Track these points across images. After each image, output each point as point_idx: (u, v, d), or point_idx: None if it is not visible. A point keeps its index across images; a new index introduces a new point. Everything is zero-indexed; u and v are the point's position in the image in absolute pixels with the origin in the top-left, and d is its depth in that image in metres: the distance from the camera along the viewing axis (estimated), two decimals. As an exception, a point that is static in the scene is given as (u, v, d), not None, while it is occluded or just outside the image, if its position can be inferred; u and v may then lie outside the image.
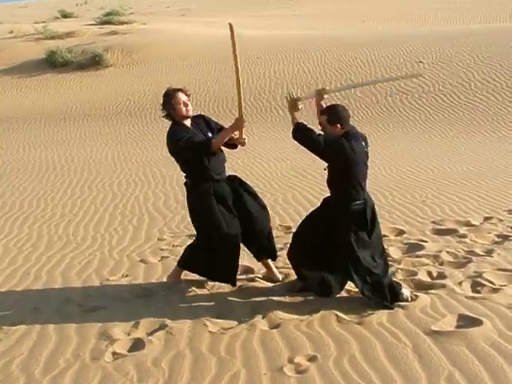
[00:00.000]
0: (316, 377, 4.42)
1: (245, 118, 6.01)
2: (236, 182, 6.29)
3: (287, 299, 5.84)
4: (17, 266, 7.32)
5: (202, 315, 5.55)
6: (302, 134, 5.68)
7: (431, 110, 19.59)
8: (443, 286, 5.88)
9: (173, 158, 6.23)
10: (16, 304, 6.15)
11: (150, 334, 5.28)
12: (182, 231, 8.48)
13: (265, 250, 6.34)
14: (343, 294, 5.86)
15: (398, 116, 19.42)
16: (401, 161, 13.25)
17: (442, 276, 6.22)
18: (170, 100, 6.02)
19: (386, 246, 7.20)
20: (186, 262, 6.29)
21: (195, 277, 6.35)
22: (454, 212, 8.77)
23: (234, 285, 6.14)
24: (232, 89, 23.04)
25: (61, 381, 4.60)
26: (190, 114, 6.12)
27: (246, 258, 7.02)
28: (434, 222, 8.26)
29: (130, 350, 5.02)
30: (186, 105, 6.06)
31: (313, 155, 5.72)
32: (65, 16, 49.87)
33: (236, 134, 6.08)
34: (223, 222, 5.95)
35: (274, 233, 8.03)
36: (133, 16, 44.14)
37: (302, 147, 5.75)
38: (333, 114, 5.66)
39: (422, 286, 5.96)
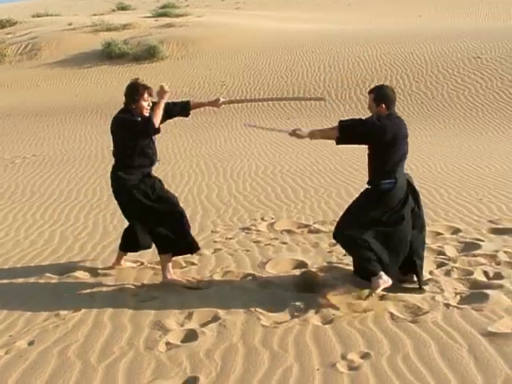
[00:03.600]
0: (369, 374, 4.39)
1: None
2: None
3: (341, 295, 5.80)
4: (73, 254, 7.44)
5: (255, 308, 5.56)
6: (349, 125, 5.72)
7: (489, 107, 19.24)
8: (500, 287, 5.77)
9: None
10: (72, 291, 6.25)
11: (203, 325, 5.32)
12: (235, 224, 8.50)
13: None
14: (397, 291, 5.81)
15: (455, 112, 19.12)
16: (457, 158, 13.05)
17: (498, 276, 6.11)
18: (136, 94, 6.22)
19: (441, 244, 7.14)
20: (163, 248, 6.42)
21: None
22: (512, 211, 8.61)
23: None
24: (285, 83, 23.06)
25: (116, 368, 4.66)
26: (147, 114, 6.30)
27: (299, 251, 7.03)
28: (490, 221, 8.11)
29: (183, 341, 5.06)
30: (148, 104, 6.31)
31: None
32: (122, 8, 50.47)
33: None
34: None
35: (328, 228, 8.07)
36: (188, 9, 44.42)
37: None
38: (379, 94, 5.78)
39: (478, 286, 5.86)
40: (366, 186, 6.01)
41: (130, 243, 6.70)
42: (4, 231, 8.62)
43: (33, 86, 27.80)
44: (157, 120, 6.20)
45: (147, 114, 6.27)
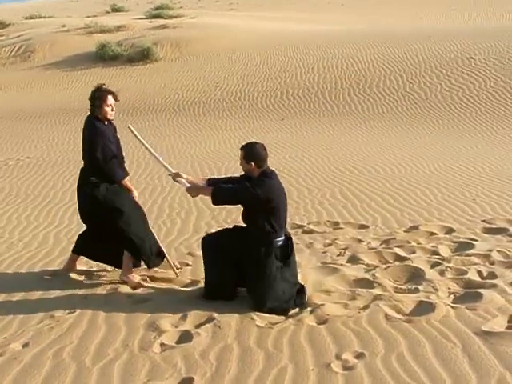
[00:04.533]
0: (364, 374, 4.40)
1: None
2: None
3: (335, 295, 5.82)
4: (67, 256, 7.41)
5: (249, 309, 5.56)
6: (222, 193, 5.72)
7: (482, 107, 19.29)
8: (494, 286, 5.80)
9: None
10: (66, 293, 6.25)
11: (198, 326, 5.32)
12: (229, 225, 8.50)
13: None
14: (392, 292, 5.83)
15: (449, 112, 19.17)
16: (450, 158, 13.08)
17: (492, 276, 6.14)
18: (100, 98, 6.30)
19: (435, 244, 7.17)
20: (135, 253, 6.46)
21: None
22: (505, 211, 8.63)
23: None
24: (279, 84, 23.08)
25: (110, 370, 4.66)
26: (112, 118, 6.45)
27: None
28: (484, 221, 8.15)
29: (177, 342, 5.07)
30: (112, 109, 6.39)
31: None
32: (116, 10, 50.42)
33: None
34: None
35: (322, 228, 8.08)
36: (182, 10, 44.42)
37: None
38: (249, 152, 5.73)
39: (472, 286, 5.89)
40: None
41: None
42: (-2, 233, 8.62)
43: (26, 88, 27.75)
44: (118, 182, 6.37)
45: (112, 118, 6.43)
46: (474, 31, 27.90)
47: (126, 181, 6.48)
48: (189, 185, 6.02)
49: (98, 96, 6.29)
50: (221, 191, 5.70)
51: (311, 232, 7.99)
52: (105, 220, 6.34)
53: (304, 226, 8.23)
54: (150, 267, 6.53)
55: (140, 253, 6.38)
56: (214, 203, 5.77)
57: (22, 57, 32.04)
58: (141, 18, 39.27)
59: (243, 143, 5.95)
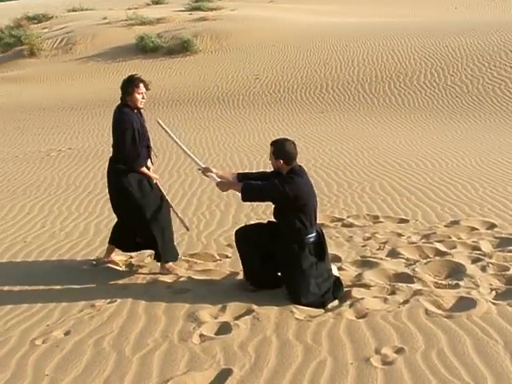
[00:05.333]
0: (403, 369, 4.37)
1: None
2: None
3: (375, 289, 5.78)
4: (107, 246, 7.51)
5: (288, 302, 5.57)
6: (251, 190, 5.72)
7: (526, 101, 18.95)
8: (537, 283, 5.71)
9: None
10: (107, 283, 6.33)
11: (237, 318, 5.35)
12: (268, 217, 8.49)
13: None
14: (432, 287, 5.77)
15: (491, 106, 18.86)
16: (492, 152, 12.88)
17: (535, 272, 6.04)
18: (132, 86, 6.33)
19: (476, 239, 7.07)
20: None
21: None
22: (549, 206, 8.49)
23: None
24: (319, 76, 22.96)
25: (150, 360, 4.71)
26: (142, 106, 6.48)
27: (333, 245, 7.01)
28: (527, 217, 8.02)
29: (216, 333, 5.10)
30: (143, 97, 6.42)
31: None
32: (156, 2, 50.61)
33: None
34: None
35: (362, 222, 8.04)
36: (221, 2, 44.42)
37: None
38: (279, 149, 5.72)
39: (514, 282, 5.81)
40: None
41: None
42: (40, 223, 8.74)
43: (68, 80, 28.05)
44: (135, 170, 6.44)
45: (141, 106, 6.46)
46: (517, 23, 27.39)
47: (144, 169, 6.53)
48: (219, 179, 6.05)
49: (131, 83, 6.35)
50: (250, 188, 5.72)
51: (351, 226, 7.95)
52: (127, 209, 6.44)
53: (343, 220, 8.20)
54: (165, 260, 6.54)
55: (157, 246, 6.44)
56: (244, 199, 5.83)
57: (63, 49, 32.38)
58: (181, 11, 39.38)
59: (274, 139, 5.95)
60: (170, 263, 6.52)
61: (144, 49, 30.12)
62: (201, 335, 5.05)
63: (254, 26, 31.33)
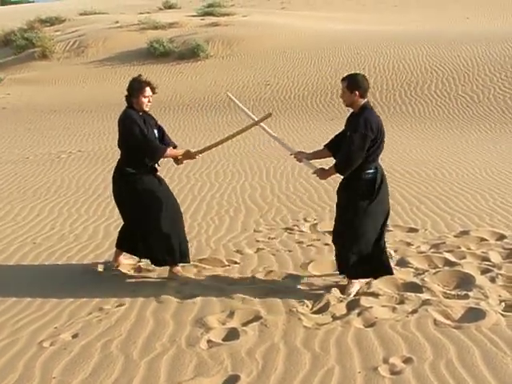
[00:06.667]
0: (411, 379, 4.35)
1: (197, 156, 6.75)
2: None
3: (383, 298, 5.77)
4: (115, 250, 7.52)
5: (296, 309, 5.56)
6: (345, 164, 5.75)
7: (537, 112, 18.91)
8: (547, 295, 5.68)
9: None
10: (115, 286, 6.33)
11: (245, 324, 5.34)
12: (277, 224, 8.51)
13: None
14: (441, 297, 5.75)
15: (502, 116, 18.83)
16: (503, 163, 12.84)
17: (545, 284, 6.01)
18: (138, 89, 6.33)
19: (485, 250, 7.05)
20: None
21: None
22: (560, 218, 8.45)
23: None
24: (330, 84, 22.94)
25: (157, 364, 4.71)
26: (148, 109, 6.46)
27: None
28: (537, 228, 7.99)
29: (224, 339, 5.09)
30: (149, 100, 6.40)
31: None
32: (168, 7, 50.75)
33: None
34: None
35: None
36: (234, 8, 44.49)
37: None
38: (353, 81, 5.85)
39: (524, 294, 5.78)
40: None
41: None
42: (50, 225, 8.77)
43: (79, 83, 28.16)
44: (161, 155, 6.40)
45: (147, 109, 6.43)
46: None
47: (171, 150, 6.52)
48: (316, 168, 6.06)
49: (137, 87, 6.34)
50: (342, 163, 5.76)
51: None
52: (132, 212, 6.43)
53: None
54: (161, 264, 6.55)
55: (153, 252, 6.41)
56: (345, 174, 5.84)
57: (75, 52, 32.51)
58: (193, 16, 39.48)
59: (344, 75, 6.06)
60: (178, 268, 6.52)
61: (155, 53, 30.21)
62: (208, 341, 5.05)
63: (265, 32, 31.38)
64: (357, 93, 5.75)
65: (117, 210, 9.40)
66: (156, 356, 4.84)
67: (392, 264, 6.15)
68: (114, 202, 8.54)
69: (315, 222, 8.51)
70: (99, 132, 19.20)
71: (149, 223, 6.33)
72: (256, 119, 6.61)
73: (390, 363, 4.59)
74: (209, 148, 6.93)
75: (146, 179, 6.42)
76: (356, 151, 5.60)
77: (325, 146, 6.23)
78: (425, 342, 4.90)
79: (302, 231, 8.10)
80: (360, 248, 5.80)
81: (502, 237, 7.61)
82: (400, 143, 15.54)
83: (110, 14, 44.97)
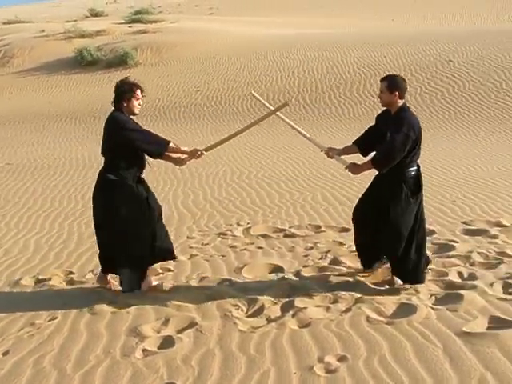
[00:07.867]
0: (346, 377, 4.41)
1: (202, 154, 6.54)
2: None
3: (317, 298, 5.82)
4: (48, 263, 7.39)
5: (231, 314, 5.56)
6: (383, 161, 5.82)
7: (461, 109, 19.44)
8: (474, 287, 5.83)
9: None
10: (47, 300, 6.21)
11: (180, 331, 5.31)
12: (211, 229, 8.50)
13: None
14: (373, 293, 5.84)
15: (428, 115, 19.29)
16: (430, 160, 13.14)
17: (472, 277, 6.17)
18: (130, 92, 6.03)
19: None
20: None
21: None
22: (485, 212, 8.69)
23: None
24: (260, 88, 23.07)
25: (92, 377, 4.64)
26: (138, 113, 6.19)
27: (275, 256, 7.05)
28: (464, 223, 8.20)
29: (159, 348, 5.05)
30: (139, 104, 6.14)
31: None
32: (95, 15, 50.20)
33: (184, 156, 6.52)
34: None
35: (304, 232, 8.09)
36: (162, 15, 44.33)
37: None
38: (393, 82, 5.92)
39: (452, 287, 5.91)
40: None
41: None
42: (-22, 240, 8.55)
43: (6, 94, 27.58)
44: (165, 148, 6.26)
45: (137, 113, 6.16)
46: (452, 34, 28.09)
47: (175, 146, 6.35)
48: (348, 163, 6.08)
49: (128, 89, 6.02)
50: (382, 160, 5.81)
51: (293, 236, 7.98)
52: (108, 222, 6.09)
53: (285, 230, 8.23)
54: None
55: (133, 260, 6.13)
56: (382, 170, 5.89)
57: (0, 62, 31.82)
58: (121, 23, 39.14)
59: (383, 75, 6.13)
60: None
61: (83, 62, 29.82)
62: (144, 350, 5.00)
63: (194, 38, 31.36)
64: (396, 93, 5.85)
65: (48, 222, 9.30)
66: (90, 368, 4.77)
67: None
68: (44, 214, 8.43)
69: (248, 225, 8.54)
70: (28, 143, 18.83)
71: (136, 231, 6.06)
72: (272, 108, 6.54)
73: (325, 362, 4.63)
74: (220, 143, 6.73)
75: (133, 186, 6.12)
76: (398, 150, 5.69)
77: (353, 142, 6.36)
78: (358, 339, 4.97)
79: (235, 236, 8.12)
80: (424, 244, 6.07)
81: (431, 232, 7.75)
82: (329, 144, 15.69)
83: (35, 22, 44.19)
